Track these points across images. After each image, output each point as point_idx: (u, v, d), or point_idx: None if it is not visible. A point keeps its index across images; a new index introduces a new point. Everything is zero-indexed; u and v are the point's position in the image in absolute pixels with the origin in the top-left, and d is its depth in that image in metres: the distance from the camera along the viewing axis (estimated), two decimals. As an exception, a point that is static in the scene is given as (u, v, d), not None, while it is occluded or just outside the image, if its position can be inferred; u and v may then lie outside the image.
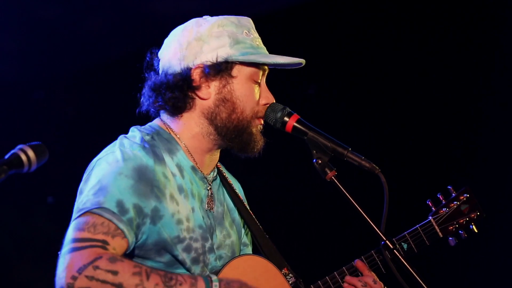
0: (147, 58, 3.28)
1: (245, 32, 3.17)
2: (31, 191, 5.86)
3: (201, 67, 3.13)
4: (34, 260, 5.88)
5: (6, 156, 2.45)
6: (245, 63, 3.15)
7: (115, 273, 2.78)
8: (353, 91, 6.17)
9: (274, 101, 3.23)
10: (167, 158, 3.12)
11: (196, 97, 3.17)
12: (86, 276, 2.76)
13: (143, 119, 3.30)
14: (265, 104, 3.21)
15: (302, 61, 3.22)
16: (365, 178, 3.65)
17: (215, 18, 3.19)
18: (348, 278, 3.42)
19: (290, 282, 3.30)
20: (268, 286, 3.22)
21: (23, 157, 2.45)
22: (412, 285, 3.00)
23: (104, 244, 2.84)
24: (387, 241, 2.97)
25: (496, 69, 5.91)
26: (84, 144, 5.91)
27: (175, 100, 3.17)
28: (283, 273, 3.30)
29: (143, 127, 3.22)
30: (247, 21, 3.23)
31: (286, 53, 3.21)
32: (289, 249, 3.80)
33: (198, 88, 3.14)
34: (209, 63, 3.12)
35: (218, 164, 3.34)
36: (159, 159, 3.08)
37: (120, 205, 2.91)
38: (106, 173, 2.98)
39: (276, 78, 3.32)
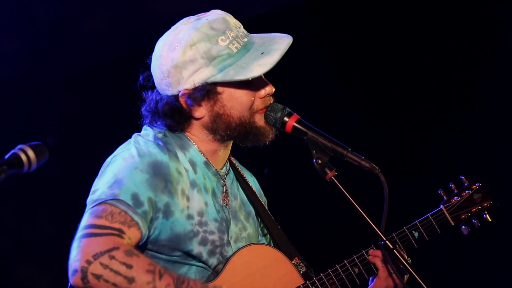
0: (140, 79, 3.28)
1: (221, 39, 3.10)
2: (31, 191, 5.85)
3: (185, 93, 3.13)
4: (34, 260, 5.88)
5: (6, 156, 2.46)
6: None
7: (129, 266, 2.82)
8: (352, 90, 6.17)
9: (273, 90, 3.20)
10: (180, 154, 3.16)
11: (192, 118, 3.19)
12: (101, 264, 2.80)
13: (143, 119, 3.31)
14: (264, 96, 3.19)
15: (286, 44, 3.16)
16: (365, 178, 3.64)
17: (186, 35, 3.11)
18: (372, 251, 3.38)
19: (301, 272, 3.33)
20: (276, 275, 3.27)
21: (23, 157, 2.46)
22: (412, 285, 3.01)
23: (120, 233, 2.88)
24: (387, 241, 2.97)
25: (496, 64, 5.92)
26: (84, 144, 5.92)
27: (171, 125, 3.20)
28: (293, 263, 3.33)
29: (155, 125, 3.24)
30: (221, 22, 3.13)
31: (286, 54, 3.16)
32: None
33: (189, 112, 3.16)
34: (191, 90, 3.12)
35: (231, 157, 3.37)
36: (172, 155, 3.13)
37: (135, 198, 2.95)
38: (122, 168, 3.02)
39: (276, 78, 3.31)
